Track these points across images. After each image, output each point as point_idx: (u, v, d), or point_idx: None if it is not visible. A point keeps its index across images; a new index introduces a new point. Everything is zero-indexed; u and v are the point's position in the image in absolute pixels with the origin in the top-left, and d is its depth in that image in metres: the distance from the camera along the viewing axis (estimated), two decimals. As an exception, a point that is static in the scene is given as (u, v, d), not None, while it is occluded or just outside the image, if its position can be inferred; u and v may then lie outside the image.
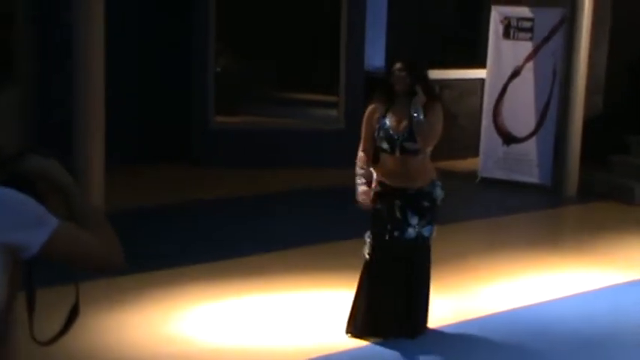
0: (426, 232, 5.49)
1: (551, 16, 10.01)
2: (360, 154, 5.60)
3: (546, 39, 9.99)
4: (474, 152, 10.61)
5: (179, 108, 10.75)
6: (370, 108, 5.60)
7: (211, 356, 5.30)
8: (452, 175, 10.53)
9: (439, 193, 5.53)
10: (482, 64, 10.73)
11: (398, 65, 5.44)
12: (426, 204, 5.48)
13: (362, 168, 5.57)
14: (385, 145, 5.45)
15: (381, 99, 5.57)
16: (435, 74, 11.50)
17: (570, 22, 9.80)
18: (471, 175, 10.44)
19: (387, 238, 5.44)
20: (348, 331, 5.60)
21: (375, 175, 5.58)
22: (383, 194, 5.52)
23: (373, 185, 5.56)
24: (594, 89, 11.00)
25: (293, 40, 11.77)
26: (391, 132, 5.43)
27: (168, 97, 10.71)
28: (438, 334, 5.67)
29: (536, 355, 5.43)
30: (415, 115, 5.34)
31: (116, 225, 2.17)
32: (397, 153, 5.43)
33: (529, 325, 5.86)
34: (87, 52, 6.97)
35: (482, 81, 10.75)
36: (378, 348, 5.44)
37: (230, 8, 11.00)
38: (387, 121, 5.46)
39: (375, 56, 11.89)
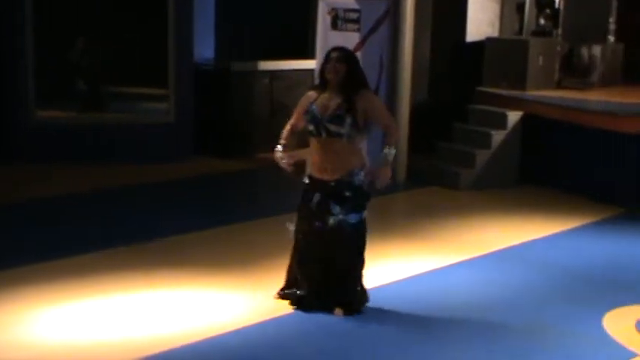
0: (351, 219, 5.70)
1: (377, 7, 10.22)
2: (287, 126, 5.98)
3: (373, 30, 10.19)
4: (306, 143, 10.70)
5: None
6: (306, 94, 5.89)
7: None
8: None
9: (361, 180, 5.73)
10: (312, 56, 10.84)
11: (335, 55, 5.69)
12: (347, 193, 5.70)
13: (283, 139, 5.97)
14: (311, 127, 5.69)
15: (314, 89, 5.87)
16: (266, 65, 11.66)
17: (394, 13, 10.05)
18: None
19: (310, 229, 5.76)
20: (277, 293, 5.99)
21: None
22: (307, 189, 5.79)
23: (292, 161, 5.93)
24: (419, 77, 11.32)
25: (120, 31, 11.49)
26: (316, 113, 5.65)
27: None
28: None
29: (367, 340, 5.54)
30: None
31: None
32: (323, 135, 5.65)
33: (363, 309, 5.96)
34: None
35: (312, 72, 10.85)
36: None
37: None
38: (315, 106, 5.69)
39: (204, 48, 11.80)
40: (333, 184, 5.70)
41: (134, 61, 11.62)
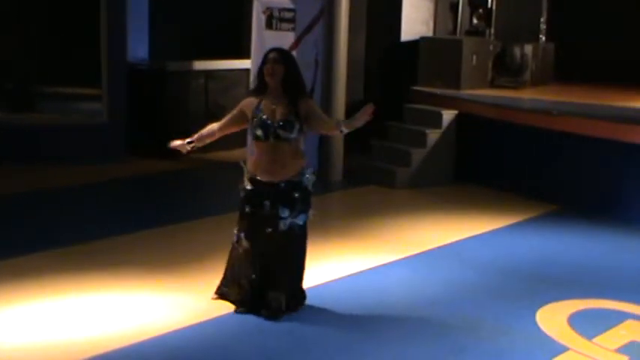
0: (300, 220, 5.73)
1: (312, 6, 10.22)
2: (213, 125, 6.01)
3: (308, 29, 10.19)
4: (241, 143, 10.67)
5: None
6: (246, 100, 5.84)
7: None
8: (220, 166, 10.60)
9: (309, 179, 5.77)
10: (247, 55, 10.79)
11: (272, 56, 5.68)
12: (296, 195, 5.71)
13: (200, 133, 6.07)
14: (259, 132, 5.65)
15: (254, 93, 5.82)
16: (202, 65, 11.59)
17: (329, 12, 10.07)
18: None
19: (262, 236, 5.72)
20: (215, 294, 5.99)
21: (245, 168, 5.86)
22: (253, 194, 5.73)
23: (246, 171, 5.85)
24: (354, 76, 11.37)
25: (52, 30, 11.31)
26: (265, 119, 5.63)
27: None
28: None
29: (307, 339, 5.54)
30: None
31: None
32: (271, 139, 5.64)
33: (301, 308, 5.96)
34: None
35: (248, 71, 10.82)
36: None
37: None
38: (261, 112, 5.66)
39: (138, 48, 11.67)
40: (283, 184, 5.70)
41: (67, 60, 11.45)
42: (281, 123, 5.64)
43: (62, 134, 10.66)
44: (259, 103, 5.74)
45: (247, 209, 5.78)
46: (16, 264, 6.76)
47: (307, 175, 5.80)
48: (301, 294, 5.96)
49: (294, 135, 5.69)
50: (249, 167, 5.86)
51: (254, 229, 5.77)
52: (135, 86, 11.08)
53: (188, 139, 6.07)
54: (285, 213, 5.70)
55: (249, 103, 5.83)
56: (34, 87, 11.43)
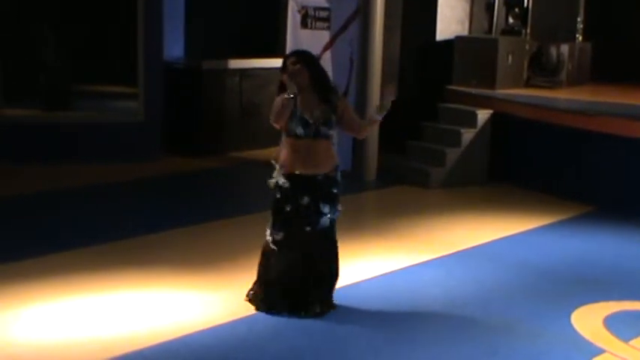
0: (335, 216, 5.80)
1: (347, 5, 10.22)
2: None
3: (343, 28, 10.20)
4: (276, 141, 10.68)
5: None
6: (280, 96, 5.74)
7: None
8: (255, 164, 10.62)
9: (339, 179, 5.86)
10: (282, 54, 10.80)
11: (292, 59, 5.72)
12: (334, 190, 5.79)
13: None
14: (300, 131, 5.66)
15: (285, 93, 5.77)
16: (236, 63, 11.63)
17: (364, 11, 10.06)
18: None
19: (301, 235, 5.72)
20: (246, 296, 5.95)
21: (277, 166, 5.83)
22: (291, 191, 5.72)
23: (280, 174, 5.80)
24: (389, 76, 11.33)
25: (89, 29, 11.41)
26: (306, 117, 5.65)
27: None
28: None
29: (339, 339, 5.54)
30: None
31: None
32: (311, 136, 5.67)
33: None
34: None
35: (282, 70, 10.82)
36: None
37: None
38: (299, 109, 5.67)
39: (174, 46, 11.74)
40: (320, 177, 5.73)
41: (103, 58, 11.54)
42: (322, 120, 5.68)
43: (98, 132, 10.74)
44: (295, 103, 5.71)
45: (287, 207, 5.73)
46: (50, 261, 6.83)
47: (339, 173, 5.86)
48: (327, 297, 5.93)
49: (332, 132, 5.78)
50: (282, 164, 5.82)
51: (292, 228, 5.75)
52: (171, 85, 11.15)
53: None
54: (327, 209, 5.74)
55: (286, 100, 5.72)
56: (71, 85, 11.53)
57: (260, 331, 5.57)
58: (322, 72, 5.86)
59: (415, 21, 11.86)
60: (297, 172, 5.74)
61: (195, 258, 7.06)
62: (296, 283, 5.78)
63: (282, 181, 5.78)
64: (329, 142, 5.80)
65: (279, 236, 5.78)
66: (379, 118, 5.92)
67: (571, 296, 6.36)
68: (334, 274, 5.92)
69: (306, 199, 5.71)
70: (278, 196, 5.79)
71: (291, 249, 5.76)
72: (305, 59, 5.77)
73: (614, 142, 9.08)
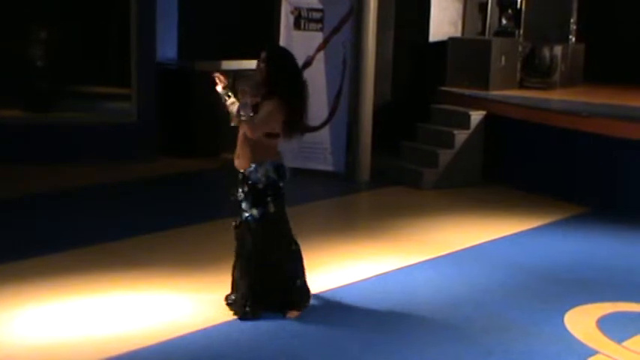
0: (256, 213, 5.71)
1: (340, 7, 10.22)
2: None
3: (336, 29, 10.19)
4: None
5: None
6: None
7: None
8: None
9: (256, 177, 5.70)
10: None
11: (262, 55, 5.72)
12: (245, 188, 5.73)
13: None
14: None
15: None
16: (229, 65, 11.61)
17: (357, 13, 10.06)
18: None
19: (234, 225, 5.81)
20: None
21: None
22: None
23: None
24: (383, 78, 11.35)
25: (82, 30, 11.39)
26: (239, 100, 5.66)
27: None
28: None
29: (332, 339, 5.53)
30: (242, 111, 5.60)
31: None
32: (240, 132, 5.72)
33: (326, 309, 5.96)
34: None
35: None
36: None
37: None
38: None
39: (167, 47, 11.73)
40: (241, 174, 5.77)
41: (96, 59, 11.52)
42: (242, 104, 5.57)
43: (92, 134, 10.72)
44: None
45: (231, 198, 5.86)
46: (42, 262, 6.81)
47: (255, 171, 5.68)
48: (304, 292, 5.90)
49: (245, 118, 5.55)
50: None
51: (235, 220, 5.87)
52: (164, 86, 11.13)
53: (230, 93, 5.85)
54: (244, 204, 5.74)
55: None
56: (64, 86, 11.51)
57: (253, 333, 5.56)
58: (279, 73, 5.69)
59: (408, 22, 11.87)
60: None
61: (189, 259, 7.04)
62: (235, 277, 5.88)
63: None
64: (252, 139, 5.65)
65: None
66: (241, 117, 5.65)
67: (564, 297, 6.37)
68: (246, 278, 5.76)
69: (239, 191, 5.77)
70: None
71: (236, 238, 5.84)
72: (269, 57, 5.71)
73: (607, 143, 9.09)
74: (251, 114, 5.56)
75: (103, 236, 7.56)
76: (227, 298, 5.93)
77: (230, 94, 5.84)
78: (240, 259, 5.82)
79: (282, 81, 5.69)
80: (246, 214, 5.73)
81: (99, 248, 7.27)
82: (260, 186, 5.71)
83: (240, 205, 5.75)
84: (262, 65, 5.69)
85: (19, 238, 7.49)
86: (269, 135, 5.69)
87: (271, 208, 5.73)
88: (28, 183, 9.56)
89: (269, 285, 5.78)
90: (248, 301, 5.73)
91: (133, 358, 5.13)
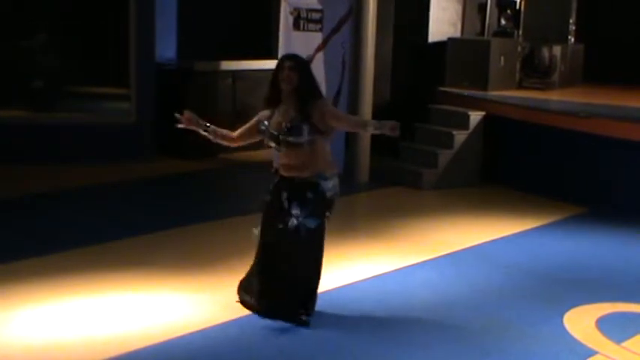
0: (310, 223, 5.61)
1: (339, 7, 10.22)
2: (235, 132, 5.96)
3: (335, 30, 10.19)
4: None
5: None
6: (262, 112, 5.84)
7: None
8: (250, 166, 10.62)
9: (327, 186, 5.66)
10: (275, 55, 10.81)
11: (288, 64, 5.70)
12: (309, 195, 5.63)
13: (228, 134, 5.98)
14: (272, 144, 5.71)
15: (268, 104, 5.83)
16: (229, 65, 11.62)
17: (357, 13, 10.07)
18: (267, 165, 10.49)
19: (273, 231, 5.68)
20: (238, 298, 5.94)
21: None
22: (275, 186, 5.74)
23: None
24: (382, 78, 11.35)
25: (80, 30, 11.38)
26: (272, 131, 5.67)
27: None
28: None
29: (330, 340, 5.53)
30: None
31: None
32: (283, 148, 5.66)
33: (325, 310, 5.96)
34: None
35: (274, 72, 10.81)
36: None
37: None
38: (267, 125, 5.71)
39: (166, 47, 11.72)
40: (297, 180, 5.67)
41: (95, 60, 11.52)
42: (286, 129, 5.62)
43: (90, 134, 10.72)
44: (271, 117, 5.75)
45: (267, 200, 5.77)
46: (41, 263, 6.81)
47: (327, 180, 5.68)
48: (302, 306, 5.74)
49: (304, 138, 5.61)
50: (275, 164, 5.90)
51: (267, 223, 5.75)
52: (163, 86, 11.13)
53: (207, 123, 5.97)
54: (296, 210, 5.62)
55: (260, 117, 5.83)
56: (62, 87, 11.51)
57: (252, 333, 5.56)
58: (311, 79, 5.76)
59: (408, 23, 11.87)
60: (281, 172, 5.79)
61: (188, 259, 7.05)
62: (263, 280, 5.77)
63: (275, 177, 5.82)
64: (308, 148, 5.64)
65: (257, 230, 5.82)
66: (369, 130, 5.92)
67: (564, 298, 6.37)
68: (303, 283, 5.74)
69: (284, 195, 5.68)
70: (272, 185, 5.82)
71: (264, 244, 5.75)
72: (299, 65, 5.73)
73: (606, 144, 9.10)
74: (306, 131, 5.61)
75: (103, 236, 7.56)
76: (259, 303, 5.80)
77: (204, 122, 5.95)
78: (282, 265, 5.70)
79: (317, 86, 5.82)
80: (296, 221, 5.61)
81: (99, 248, 7.27)
82: (328, 195, 5.67)
83: (289, 211, 5.64)
84: (292, 73, 5.65)
85: (18, 238, 7.49)
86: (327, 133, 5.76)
87: (326, 222, 5.71)
88: (28, 183, 9.57)
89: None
90: (305, 309, 5.68)
91: (133, 358, 5.14)
